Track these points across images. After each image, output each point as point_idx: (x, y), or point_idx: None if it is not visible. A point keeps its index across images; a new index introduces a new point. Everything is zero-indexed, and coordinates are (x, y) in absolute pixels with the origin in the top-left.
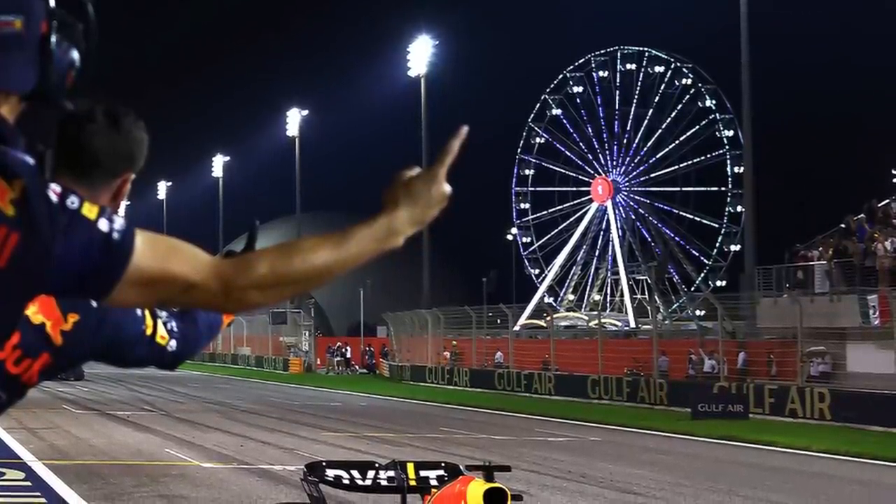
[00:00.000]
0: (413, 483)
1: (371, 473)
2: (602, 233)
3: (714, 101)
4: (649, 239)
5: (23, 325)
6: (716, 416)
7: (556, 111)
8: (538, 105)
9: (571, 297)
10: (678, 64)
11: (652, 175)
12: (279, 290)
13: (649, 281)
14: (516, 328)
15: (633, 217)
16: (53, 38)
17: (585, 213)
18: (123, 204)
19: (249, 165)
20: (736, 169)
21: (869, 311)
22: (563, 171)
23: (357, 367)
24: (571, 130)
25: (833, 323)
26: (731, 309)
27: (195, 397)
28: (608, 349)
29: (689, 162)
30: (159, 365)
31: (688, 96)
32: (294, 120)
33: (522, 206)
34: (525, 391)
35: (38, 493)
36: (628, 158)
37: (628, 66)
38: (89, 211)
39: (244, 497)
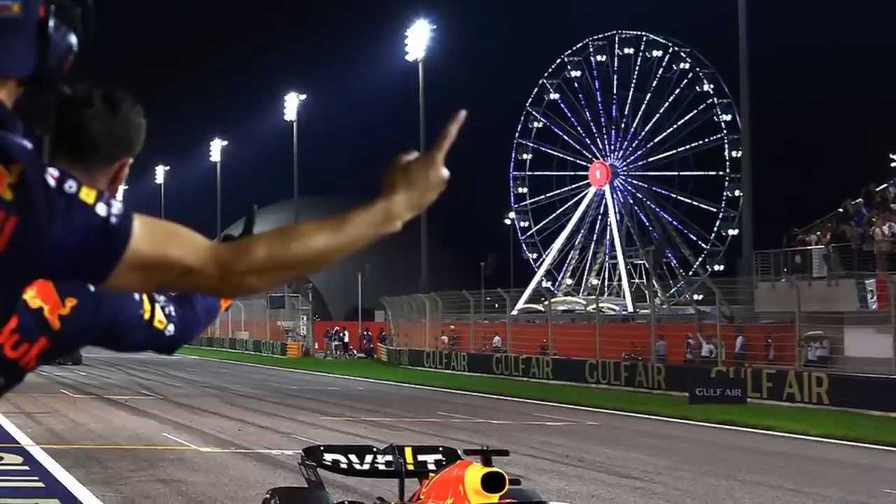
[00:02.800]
0: (411, 467)
1: (369, 458)
2: (600, 217)
3: (712, 86)
4: (647, 223)
5: (21, 310)
6: (714, 401)
7: (554, 96)
8: (536, 89)
9: (569, 281)
10: (676, 48)
11: (650, 159)
12: (277, 275)
13: (647, 265)
14: (514, 312)
15: (631, 201)
16: (51, 23)
17: (583, 197)
18: (121, 188)
19: (247, 150)
20: (734, 153)
21: (867, 295)
22: (561, 155)
23: (355, 352)
24: (569, 115)
25: (831, 307)
26: (728, 293)
27: (193, 382)
28: (606, 333)
29: (687, 146)
30: (157, 349)
31: (686, 80)
32: (292, 104)
33: (520, 190)
34: (523, 376)
35: (36, 478)
36: (626, 143)
37: (626, 50)
38: (87, 195)
39: (242, 481)
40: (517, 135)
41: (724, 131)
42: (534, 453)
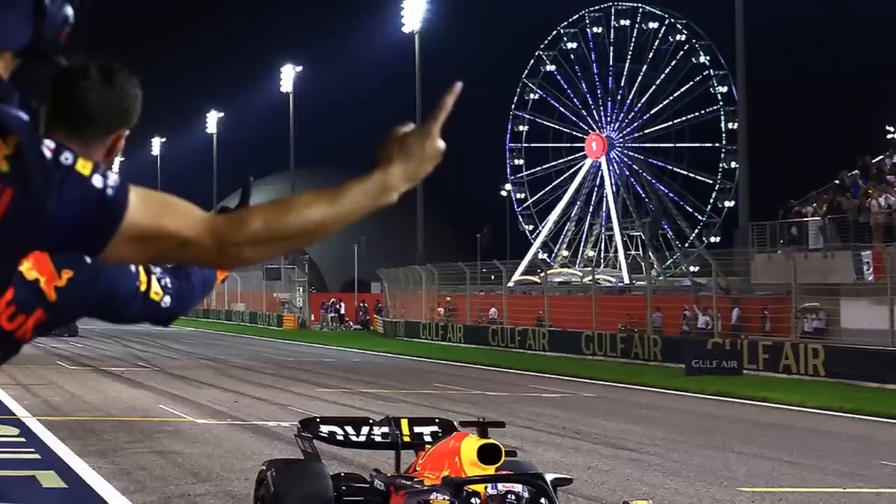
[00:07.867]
0: (407, 439)
1: (365, 429)
2: (596, 189)
3: (708, 57)
4: (643, 195)
5: (17, 282)
6: (710, 372)
7: (550, 67)
8: (532, 61)
9: (565, 253)
10: (672, 20)
11: (646, 131)
12: (273, 246)
13: (643, 237)
14: (510, 284)
15: (628, 173)
16: None
17: (579, 169)
18: (117, 160)
19: (244, 121)
20: (730, 125)
21: (863, 267)
22: (558, 127)
23: (351, 324)
24: (565, 86)
25: (827, 279)
26: (725, 265)
27: (189, 353)
28: (602, 305)
29: (683, 118)
30: (153, 321)
31: (682, 52)
32: (288, 76)
33: (516, 162)
34: (519, 347)
35: (32, 449)
36: (622, 115)
37: (622, 21)
38: (83, 167)
39: (238, 453)
40: (513, 106)
41: (721, 103)
42: (530, 425)
